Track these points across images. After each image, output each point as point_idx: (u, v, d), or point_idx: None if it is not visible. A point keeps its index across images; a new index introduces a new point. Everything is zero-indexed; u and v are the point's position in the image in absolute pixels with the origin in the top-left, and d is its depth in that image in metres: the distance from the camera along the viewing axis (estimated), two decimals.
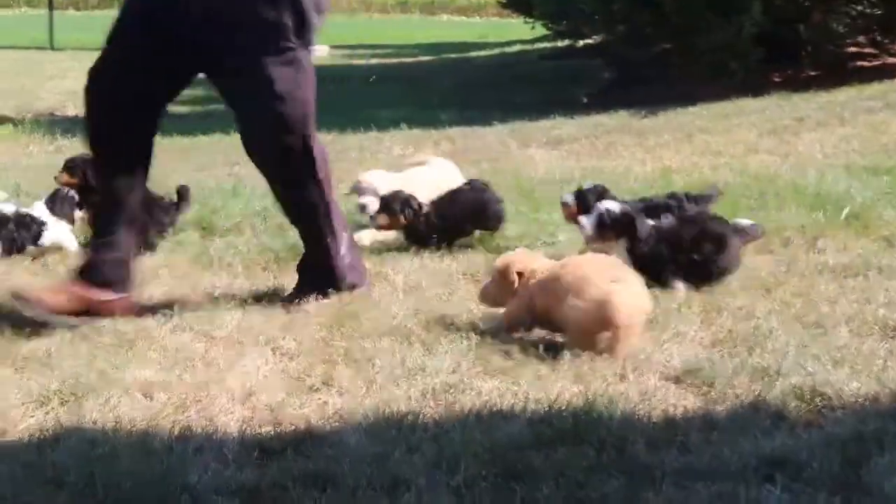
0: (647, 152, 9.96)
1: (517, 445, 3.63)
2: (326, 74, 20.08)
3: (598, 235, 5.70)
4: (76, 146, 11.59)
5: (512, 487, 3.34)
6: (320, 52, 25.91)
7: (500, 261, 5.10)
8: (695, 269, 5.54)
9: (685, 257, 5.53)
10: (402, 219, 6.50)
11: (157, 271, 6.12)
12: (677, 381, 4.29)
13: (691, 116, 11.55)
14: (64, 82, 18.82)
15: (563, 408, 3.95)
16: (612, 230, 5.66)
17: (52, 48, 28.25)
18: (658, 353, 4.57)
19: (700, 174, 8.74)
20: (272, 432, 3.85)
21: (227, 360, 4.57)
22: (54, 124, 13.44)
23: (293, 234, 5.94)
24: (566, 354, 4.52)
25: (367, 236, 6.70)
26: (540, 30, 20.54)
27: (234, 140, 10.91)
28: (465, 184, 6.96)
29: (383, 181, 7.10)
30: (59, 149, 11.31)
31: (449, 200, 6.69)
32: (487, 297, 5.14)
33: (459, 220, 6.63)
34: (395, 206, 6.52)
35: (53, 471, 3.50)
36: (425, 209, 6.58)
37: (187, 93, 18.18)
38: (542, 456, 3.54)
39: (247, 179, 8.29)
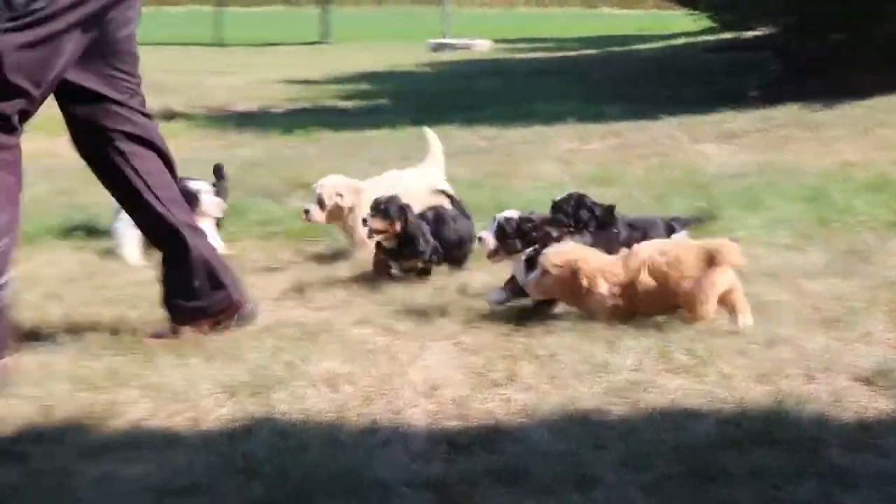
0: (822, 146, 9.71)
1: (706, 445, 3.59)
2: (489, 68, 20.24)
3: (502, 246, 5.36)
4: (247, 140, 11.87)
5: (704, 488, 3.30)
6: (482, 46, 25.96)
7: (559, 257, 4.99)
8: None
9: None
10: (397, 226, 5.84)
11: (333, 264, 6.23)
12: (868, 382, 4.18)
13: (867, 109, 11.19)
14: (231, 78, 19.22)
15: (752, 408, 3.89)
16: (517, 239, 5.35)
17: (221, 45, 28.91)
18: (846, 354, 4.47)
19: (879, 169, 8.49)
20: (458, 427, 3.87)
21: (409, 354, 4.63)
22: (226, 120, 13.73)
23: None
24: (749, 353, 4.46)
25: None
26: (704, 22, 20.23)
27: (404, 134, 11.10)
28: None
29: (337, 187, 6.39)
30: (231, 144, 11.57)
31: (443, 221, 6.08)
32: (544, 289, 5.06)
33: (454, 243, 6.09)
34: (392, 211, 5.84)
35: (245, 461, 3.59)
36: (422, 227, 5.95)
37: (351, 87, 18.11)
38: (732, 456, 3.50)
39: None
